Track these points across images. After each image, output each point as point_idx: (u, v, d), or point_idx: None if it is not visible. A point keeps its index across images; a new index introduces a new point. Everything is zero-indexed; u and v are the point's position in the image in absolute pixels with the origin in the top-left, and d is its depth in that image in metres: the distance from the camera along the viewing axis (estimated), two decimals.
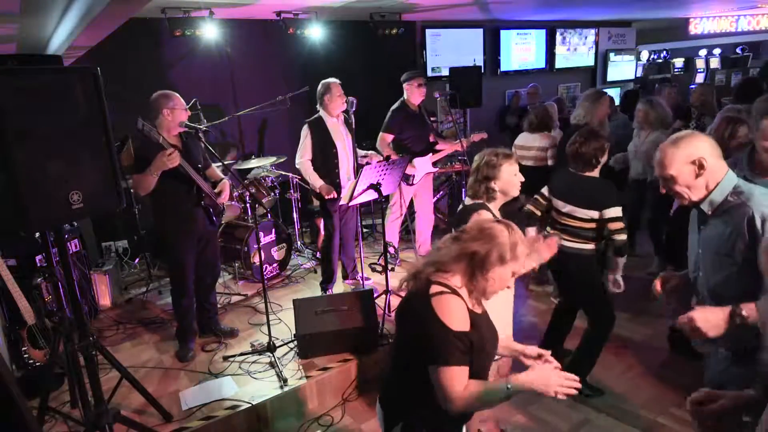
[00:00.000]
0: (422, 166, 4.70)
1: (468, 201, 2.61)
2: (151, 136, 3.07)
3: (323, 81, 4.06)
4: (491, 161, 2.46)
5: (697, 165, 1.80)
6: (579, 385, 1.58)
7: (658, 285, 2.09)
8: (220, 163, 3.52)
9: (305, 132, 4.05)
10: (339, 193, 4.07)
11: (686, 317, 1.72)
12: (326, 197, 4.05)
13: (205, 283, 3.70)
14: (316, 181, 4.06)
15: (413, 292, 1.67)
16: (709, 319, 1.69)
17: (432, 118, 5.94)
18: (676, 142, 1.85)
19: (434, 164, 4.89)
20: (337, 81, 4.05)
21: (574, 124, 4.12)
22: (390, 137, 4.55)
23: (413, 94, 4.54)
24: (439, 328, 1.55)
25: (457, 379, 1.55)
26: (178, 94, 3.31)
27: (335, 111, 4.03)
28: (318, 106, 4.09)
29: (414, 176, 4.66)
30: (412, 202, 4.98)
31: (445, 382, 1.54)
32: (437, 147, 4.79)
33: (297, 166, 4.14)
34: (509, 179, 2.46)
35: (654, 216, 4.69)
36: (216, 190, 3.51)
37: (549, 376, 1.57)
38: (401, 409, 1.74)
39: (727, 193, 1.80)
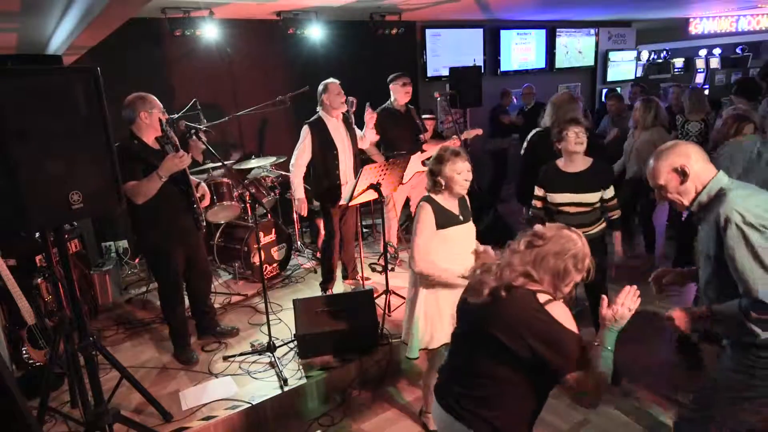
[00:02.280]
0: (411, 165, 4.70)
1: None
2: (168, 133, 3.03)
3: (323, 81, 4.07)
4: (440, 156, 2.61)
5: (680, 172, 1.92)
6: (637, 295, 1.71)
7: (653, 280, 2.30)
8: (220, 163, 3.51)
9: (305, 133, 4.03)
10: (339, 194, 4.07)
11: (668, 314, 2.00)
12: (297, 211, 4.17)
13: (200, 290, 3.69)
14: (297, 190, 4.08)
15: (511, 303, 1.64)
16: (683, 317, 1.96)
17: (431, 115, 5.94)
18: (659, 154, 1.99)
19: (424, 163, 4.91)
20: (336, 81, 4.05)
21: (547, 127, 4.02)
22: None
23: (398, 93, 4.59)
24: (568, 335, 1.60)
25: (586, 378, 1.60)
26: (154, 96, 3.19)
27: (334, 111, 4.03)
28: (318, 106, 4.09)
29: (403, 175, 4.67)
30: (409, 202, 4.99)
31: (586, 381, 1.59)
32: (424, 147, 4.82)
33: (290, 167, 4.14)
34: (451, 176, 2.58)
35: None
36: (198, 194, 3.42)
37: (616, 312, 1.68)
38: (488, 417, 1.71)
39: (713, 195, 1.88)
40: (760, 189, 1.92)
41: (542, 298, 1.63)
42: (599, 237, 3.23)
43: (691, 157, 1.90)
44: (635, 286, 1.73)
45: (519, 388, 1.69)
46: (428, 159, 4.99)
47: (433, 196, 2.65)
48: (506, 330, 1.62)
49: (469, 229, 2.73)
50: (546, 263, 1.66)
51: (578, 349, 1.60)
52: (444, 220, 2.61)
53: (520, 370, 1.65)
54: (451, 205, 2.66)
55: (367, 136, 4.38)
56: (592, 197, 3.11)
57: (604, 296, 1.73)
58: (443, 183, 2.60)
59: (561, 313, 1.62)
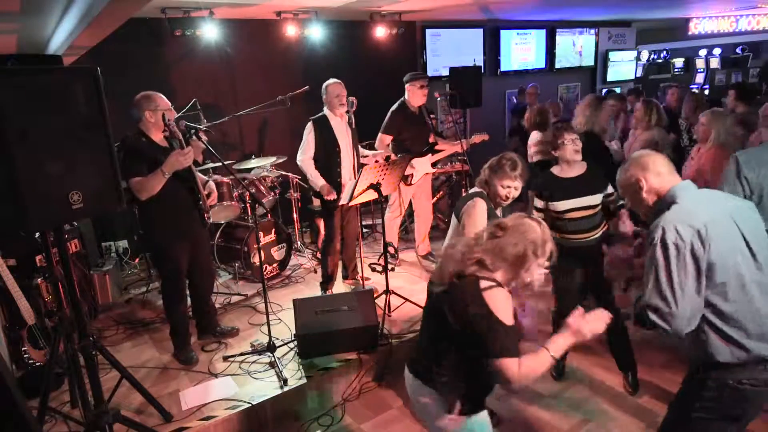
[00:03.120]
0: (421, 167, 4.71)
1: (474, 189, 2.76)
2: (171, 129, 3.05)
3: (326, 82, 4.10)
4: (499, 164, 2.62)
5: (635, 184, 1.94)
6: (608, 317, 1.80)
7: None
8: (220, 163, 3.51)
9: (309, 129, 4.05)
10: (340, 193, 4.07)
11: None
12: (326, 197, 4.04)
13: (203, 288, 3.68)
14: (317, 180, 4.04)
15: (459, 287, 1.75)
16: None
17: (431, 115, 5.95)
18: (624, 165, 2.02)
19: (433, 165, 4.90)
20: (336, 82, 4.06)
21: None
22: (389, 138, 4.56)
23: (415, 95, 4.55)
24: (496, 323, 1.68)
25: (515, 365, 1.68)
26: (160, 94, 3.22)
27: (336, 111, 4.04)
28: (324, 105, 4.12)
29: (412, 176, 4.67)
30: (411, 202, 4.98)
31: (506, 370, 1.68)
32: (437, 148, 4.80)
33: (298, 163, 4.12)
34: (496, 188, 2.63)
35: None
36: (205, 192, 3.44)
37: (580, 326, 1.76)
38: (444, 385, 1.86)
39: (663, 208, 1.88)
40: (714, 198, 1.91)
41: (483, 284, 1.71)
42: (597, 243, 3.16)
43: (649, 169, 1.92)
44: (608, 313, 1.81)
45: (472, 363, 1.80)
46: (438, 161, 5.03)
47: (485, 192, 2.68)
48: (453, 314, 1.75)
49: None
50: (504, 253, 1.74)
51: (508, 341, 1.68)
52: (490, 219, 2.61)
53: (467, 347, 1.76)
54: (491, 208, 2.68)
55: (368, 158, 4.39)
56: (596, 199, 3.09)
57: (579, 307, 1.83)
58: (490, 188, 2.64)
59: (500, 301, 1.69)
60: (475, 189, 2.75)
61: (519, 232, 1.76)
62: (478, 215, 2.59)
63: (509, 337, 1.69)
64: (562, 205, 3.08)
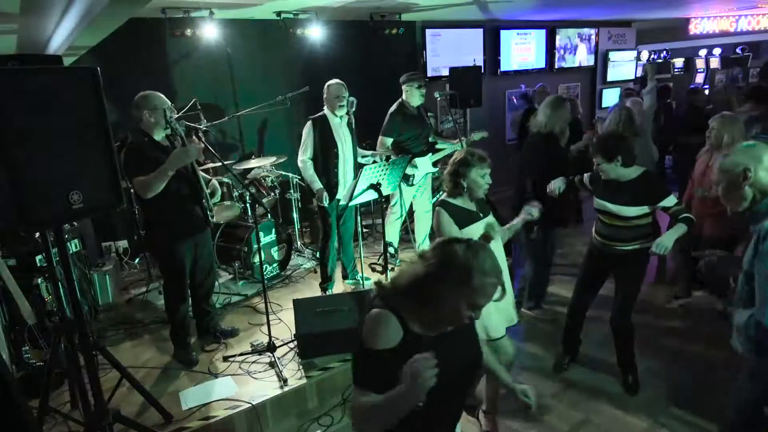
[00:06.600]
0: (422, 167, 4.71)
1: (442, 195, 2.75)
2: (172, 125, 3.07)
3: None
4: (466, 160, 2.60)
5: (742, 175, 1.83)
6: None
7: None
8: (220, 163, 3.51)
9: (308, 128, 4.06)
10: (336, 192, 4.08)
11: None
12: (317, 202, 4.11)
13: (204, 288, 3.68)
14: (314, 183, 4.08)
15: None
16: None
17: (429, 113, 5.94)
18: (734, 150, 1.94)
19: (434, 164, 4.89)
20: (337, 82, 4.07)
21: (535, 132, 3.86)
22: (389, 140, 4.56)
23: (413, 96, 4.55)
24: (360, 348, 1.50)
25: (356, 401, 1.47)
26: (159, 93, 3.23)
27: (336, 111, 4.05)
28: (324, 104, 4.13)
29: (414, 176, 4.67)
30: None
31: (353, 401, 1.49)
32: (437, 147, 4.80)
33: (299, 164, 4.14)
34: (476, 180, 2.60)
35: None
36: (209, 191, 3.45)
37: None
38: None
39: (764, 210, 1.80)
40: None
41: (374, 309, 1.54)
42: (633, 253, 2.98)
43: (762, 162, 1.76)
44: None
45: None
46: (439, 160, 5.02)
47: (449, 200, 2.65)
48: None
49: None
50: (413, 275, 1.51)
51: (365, 369, 1.48)
52: (464, 219, 2.61)
53: None
54: (468, 204, 2.67)
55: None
56: (631, 211, 2.86)
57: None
58: (465, 186, 2.61)
59: (375, 327, 1.49)
60: (439, 199, 2.70)
61: (436, 255, 1.45)
62: (443, 221, 2.59)
63: (368, 367, 1.47)
64: (595, 202, 3.07)
